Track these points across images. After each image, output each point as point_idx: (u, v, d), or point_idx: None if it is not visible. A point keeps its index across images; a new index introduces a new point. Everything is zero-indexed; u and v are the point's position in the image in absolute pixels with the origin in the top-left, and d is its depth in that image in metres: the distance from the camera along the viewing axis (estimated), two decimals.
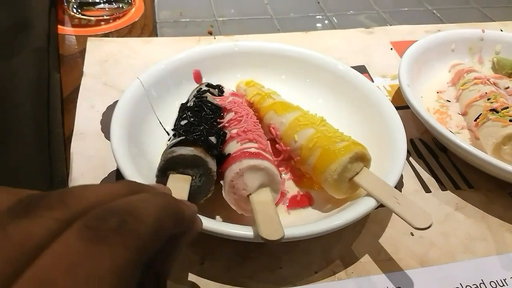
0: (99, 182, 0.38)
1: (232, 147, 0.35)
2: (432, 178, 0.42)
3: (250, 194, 0.32)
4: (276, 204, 0.37)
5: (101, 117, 0.44)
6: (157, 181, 0.32)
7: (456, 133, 0.46)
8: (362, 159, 0.35)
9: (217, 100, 0.42)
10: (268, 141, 0.42)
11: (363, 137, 0.40)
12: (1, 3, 0.53)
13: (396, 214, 0.31)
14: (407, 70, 0.48)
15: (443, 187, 0.42)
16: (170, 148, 0.33)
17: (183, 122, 0.38)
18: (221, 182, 0.34)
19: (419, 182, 0.42)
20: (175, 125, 0.41)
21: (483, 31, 0.56)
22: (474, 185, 0.42)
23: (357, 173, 0.35)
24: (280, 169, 0.40)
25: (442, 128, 0.41)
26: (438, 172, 0.43)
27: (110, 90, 0.47)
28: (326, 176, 0.34)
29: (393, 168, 0.35)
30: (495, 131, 0.41)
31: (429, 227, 0.29)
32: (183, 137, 0.35)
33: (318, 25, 0.65)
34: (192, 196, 0.32)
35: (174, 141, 0.35)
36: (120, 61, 0.52)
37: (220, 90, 0.46)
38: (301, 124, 0.39)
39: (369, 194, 0.33)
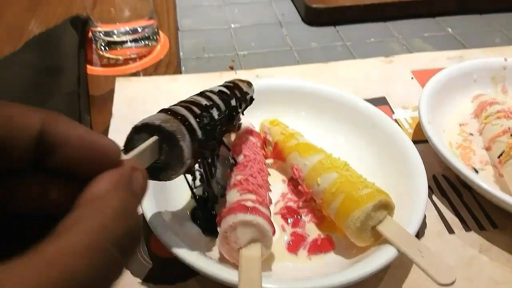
0: None
1: (232, 195, 0.36)
2: (456, 218, 0.41)
3: (240, 248, 0.32)
4: (297, 248, 0.37)
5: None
6: (129, 135, 0.30)
7: (480, 169, 0.45)
8: (386, 207, 0.35)
9: (232, 140, 0.44)
10: (288, 182, 0.43)
11: (384, 181, 0.40)
12: (33, 47, 0.56)
13: (419, 268, 0.31)
14: (428, 105, 0.47)
15: (467, 228, 0.41)
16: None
17: (203, 102, 0.36)
18: (218, 229, 0.34)
19: (442, 222, 0.41)
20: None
21: (506, 60, 0.55)
22: (499, 225, 0.41)
23: (380, 222, 0.34)
24: (302, 210, 0.40)
25: (464, 167, 0.40)
26: (461, 211, 0.42)
27: None
28: (348, 223, 0.34)
29: (413, 216, 0.35)
30: None
31: (452, 283, 0.29)
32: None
33: (337, 54, 0.65)
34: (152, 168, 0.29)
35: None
36: (147, 100, 0.53)
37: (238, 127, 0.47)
38: (324, 168, 0.39)
39: (392, 244, 0.33)
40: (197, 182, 0.42)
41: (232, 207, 0.34)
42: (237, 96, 0.39)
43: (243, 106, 0.41)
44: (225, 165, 0.44)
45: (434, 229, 0.40)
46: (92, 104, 0.54)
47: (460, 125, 0.50)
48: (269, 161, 0.46)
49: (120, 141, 0.47)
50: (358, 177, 0.37)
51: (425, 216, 0.41)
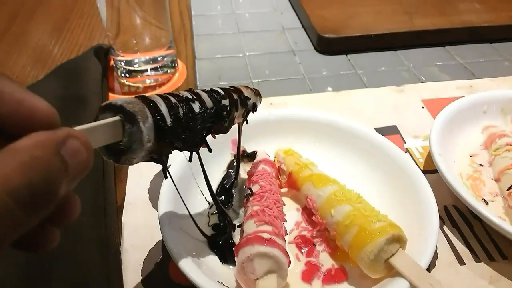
0: (146, 252, 0.41)
1: (249, 226, 0.37)
2: (466, 249, 0.42)
3: (257, 278, 0.33)
4: (311, 278, 0.38)
5: (148, 186, 0.48)
6: (96, 115, 0.29)
7: (490, 200, 0.46)
8: (398, 240, 0.36)
9: (247, 169, 0.46)
10: (302, 211, 0.44)
11: (396, 213, 0.41)
12: (58, 76, 0.59)
13: None
14: (438, 137, 0.48)
15: (477, 259, 0.41)
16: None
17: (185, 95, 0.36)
18: (235, 259, 0.35)
19: (453, 253, 0.42)
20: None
21: None
22: (508, 256, 0.41)
23: (393, 254, 0.35)
24: (316, 240, 0.42)
25: (473, 199, 0.41)
26: (472, 242, 0.43)
27: None
28: (362, 256, 0.35)
29: (425, 250, 0.36)
30: None
31: None
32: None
33: (349, 82, 0.67)
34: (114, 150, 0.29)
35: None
36: None
37: (252, 156, 0.49)
38: (338, 200, 0.40)
39: (404, 277, 0.34)
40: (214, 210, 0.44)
41: (249, 238, 0.35)
42: (232, 98, 0.38)
43: (242, 111, 0.40)
44: (242, 194, 0.45)
45: (445, 260, 0.41)
46: None
47: (470, 156, 0.51)
48: (284, 190, 0.47)
49: (143, 167, 0.49)
50: (371, 210, 0.38)
51: (436, 247, 0.42)
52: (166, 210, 0.39)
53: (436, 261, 0.41)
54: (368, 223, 0.36)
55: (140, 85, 0.64)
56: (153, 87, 0.64)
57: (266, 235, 0.35)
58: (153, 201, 0.46)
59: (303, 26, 0.82)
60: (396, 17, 0.77)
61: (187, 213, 0.41)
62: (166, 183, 0.41)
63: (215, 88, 0.38)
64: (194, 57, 0.72)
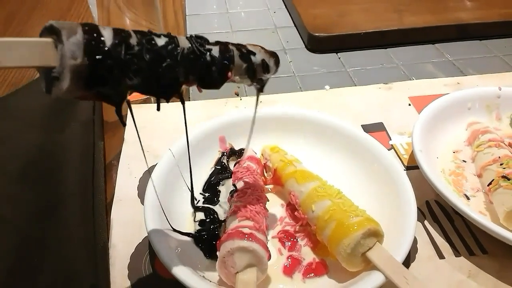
0: (134, 247, 0.42)
1: (231, 222, 0.38)
2: (446, 243, 0.43)
3: (237, 272, 0.34)
4: (292, 271, 0.39)
5: (138, 183, 0.48)
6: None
7: (471, 196, 0.46)
8: (375, 234, 0.36)
9: (234, 166, 0.47)
10: (286, 207, 0.45)
11: (376, 207, 0.42)
12: None
13: None
14: (421, 133, 0.49)
15: (457, 253, 0.42)
16: None
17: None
18: (217, 253, 0.36)
19: (433, 248, 0.42)
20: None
21: (500, 89, 0.56)
22: (488, 250, 0.42)
23: (370, 248, 0.36)
24: (298, 235, 0.42)
25: (452, 195, 0.42)
26: (452, 237, 0.43)
27: (147, 155, 0.51)
28: (339, 249, 0.36)
29: (402, 245, 0.36)
30: (506, 198, 0.41)
31: None
32: None
33: (339, 80, 0.67)
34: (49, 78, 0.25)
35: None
36: (156, 126, 0.56)
37: (240, 154, 0.49)
38: (319, 195, 0.41)
39: (380, 271, 0.35)
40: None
41: (230, 233, 0.36)
42: (225, 47, 0.32)
43: (244, 66, 0.33)
44: (228, 191, 0.46)
45: (425, 254, 0.42)
46: (106, 129, 0.57)
47: (454, 152, 0.52)
48: (269, 186, 0.48)
49: (133, 165, 0.50)
50: (350, 205, 0.39)
51: (416, 241, 0.43)
52: (152, 206, 0.40)
53: (416, 255, 0.42)
54: (346, 218, 0.37)
55: None
56: None
57: (246, 230, 0.36)
58: (141, 197, 0.47)
59: (295, 25, 0.82)
60: (386, 15, 0.78)
61: (173, 209, 0.42)
62: (153, 180, 0.42)
63: (203, 36, 0.32)
64: None
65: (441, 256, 0.42)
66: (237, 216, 0.38)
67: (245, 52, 0.33)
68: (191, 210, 0.44)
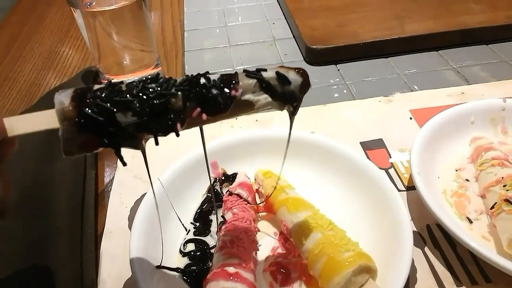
0: (123, 283, 0.40)
1: (216, 259, 0.37)
2: (448, 272, 0.40)
3: None
4: None
5: (129, 213, 0.47)
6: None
7: (474, 219, 0.44)
8: (368, 270, 0.35)
9: (225, 193, 0.45)
10: (279, 236, 0.43)
11: (370, 236, 0.40)
12: (46, 103, 0.59)
13: None
14: (420, 153, 0.47)
15: (458, 283, 0.40)
16: None
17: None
18: None
19: (433, 277, 0.40)
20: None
21: (505, 101, 0.53)
22: (492, 279, 0.40)
23: (362, 285, 0.34)
24: (291, 266, 0.41)
25: (454, 221, 0.39)
26: (454, 265, 0.41)
27: (139, 183, 0.51)
28: (330, 287, 0.34)
29: (395, 281, 0.34)
30: (509, 225, 0.39)
31: None
32: None
33: (337, 93, 0.65)
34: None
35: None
36: (150, 150, 0.55)
37: (232, 179, 0.48)
38: (310, 227, 0.39)
39: None
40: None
41: (215, 272, 0.35)
42: (228, 74, 0.29)
43: (252, 82, 0.29)
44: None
45: (425, 284, 0.40)
46: (100, 156, 0.56)
47: (456, 170, 0.49)
48: (262, 213, 0.46)
49: (124, 194, 0.49)
50: (341, 237, 0.37)
51: (416, 270, 0.41)
52: (138, 240, 0.39)
53: (415, 286, 0.39)
54: (337, 253, 0.35)
55: None
56: None
57: (231, 269, 0.34)
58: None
59: (293, 36, 0.80)
60: (387, 23, 0.75)
61: (161, 243, 0.41)
62: (140, 212, 0.41)
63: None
64: (184, 74, 0.72)
65: (441, 286, 0.39)
66: (222, 254, 0.37)
67: (253, 71, 0.30)
68: (181, 241, 0.43)
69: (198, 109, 0.29)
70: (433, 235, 0.44)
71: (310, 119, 0.60)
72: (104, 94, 0.27)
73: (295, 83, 0.31)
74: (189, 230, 0.44)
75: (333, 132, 0.57)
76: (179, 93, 0.28)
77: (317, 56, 0.72)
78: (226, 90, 0.29)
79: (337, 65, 0.72)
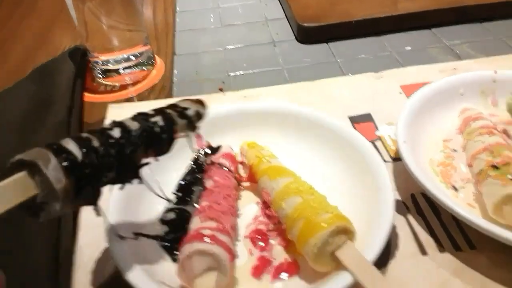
0: (101, 252, 0.40)
1: (193, 223, 0.36)
2: (431, 239, 0.39)
3: (196, 277, 0.32)
4: (261, 273, 0.36)
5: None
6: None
7: (460, 187, 0.43)
8: (346, 232, 0.34)
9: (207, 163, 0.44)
10: (261, 205, 0.42)
11: (352, 203, 0.39)
12: (33, 79, 0.58)
13: None
14: (407, 123, 0.45)
15: (442, 249, 0.39)
16: None
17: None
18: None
19: (416, 244, 0.39)
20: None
21: (496, 72, 0.52)
22: (477, 245, 0.38)
23: (340, 247, 0.33)
24: (271, 233, 0.40)
25: (438, 187, 0.38)
26: (437, 231, 0.40)
27: None
28: (307, 249, 0.34)
29: (374, 243, 0.33)
30: (494, 190, 0.37)
31: None
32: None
33: (328, 71, 0.64)
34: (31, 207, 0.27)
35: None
36: None
37: (216, 151, 0.47)
38: (289, 192, 0.38)
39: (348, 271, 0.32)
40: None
41: (190, 235, 0.34)
42: (164, 113, 0.35)
43: (184, 122, 0.36)
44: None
45: (407, 250, 0.39)
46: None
47: (444, 141, 0.48)
48: (246, 184, 0.45)
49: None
50: (320, 201, 0.36)
51: (398, 236, 0.40)
52: (116, 207, 0.38)
53: (397, 252, 0.38)
54: (315, 215, 0.34)
55: (117, 84, 0.63)
56: (129, 85, 0.63)
57: (207, 232, 0.34)
58: None
59: (286, 16, 0.79)
60: (379, 1, 0.74)
61: (141, 210, 0.41)
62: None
63: (142, 111, 0.35)
64: (174, 54, 0.71)
65: (424, 252, 0.38)
66: (200, 217, 0.36)
67: (181, 110, 0.36)
68: (160, 211, 0.42)
69: (153, 154, 0.34)
70: (417, 204, 0.43)
71: (297, 94, 0.59)
72: (90, 158, 0.29)
73: (205, 117, 0.38)
74: (171, 200, 0.43)
75: (321, 107, 0.56)
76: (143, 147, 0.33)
77: (309, 35, 0.70)
78: (172, 136, 0.35)
79: (329, 44, 0.71)
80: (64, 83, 0.57)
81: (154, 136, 0.33)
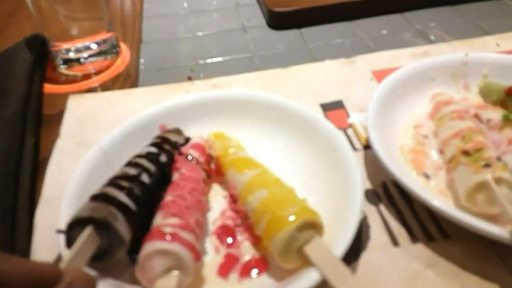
0: (57, 254, 0.37)
1: (156, 219, 0.33)
2: (403, 229, 0.38)
3: (156, 278, 0.29)
4: (227, 271, 0.34)
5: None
6: (67, 233, 0.31)
7: (432, 174, 0.41)
8: (313, 226, 0.31)
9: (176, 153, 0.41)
10: (228, 199, 0.40)
11: (321, 194, 0.37)
12: None
13: None
14: (377, 108, 0.44)
15: (414, 239, 0.37)
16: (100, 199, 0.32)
17: (131, 172, 0.36)
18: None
19: (388, 234, 0.37)
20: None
21: (467, 55, 0.50)
22: (451, 235, 0.37)
23: (308, 242, 0.31)
24: (238, 229, 0.37)
25: (408, 175, 0.36)
26: (410, 221, 0.38)
27: (82, 151, 0.46)
28: (273, 245, 0.31)
29: (342, 236, 0.31)
30: (467, 177, 0.36)
31: None
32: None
33: (300, 58, 0.61)
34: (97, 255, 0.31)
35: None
36: (98, 117, 0.51)
37: (187, 142, 0.44)
38: (256, 185, 0.36)
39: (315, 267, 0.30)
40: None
41: (150, 233, 0.31)
42: (165, 150, 0.40)
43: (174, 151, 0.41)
44: None
45: (378, 241, 0.37)
46: (46, 123, 0.52)
47: (414, 127, 0.46)
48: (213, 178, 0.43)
49: (65, 161, 0.45)
50: (288, 194, 0.34)
51: (369, 227, 0.38)
52: (69, 206, 0.35)
53: (368, 243, 0.37)
54: (281, 209, 0.32)
55: (79, 73, 0.59)
56: (92, 75, 0.59)
57: (168, 229, 0.31)
58: None
59: (258, 2, 0.76)
60: None
61: None
62: (73, 180, 0.37)
63: (148, 149, 0.39)
64: (140, 41, 0.67)
65: (396, 243, 0.37)
66: (162, 213, 0.33)
67: (173, 144, 0.41)
68: None
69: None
70: (389, 193, 0.41)
71: (270, 81, 0.56)
72: (138, 209, 0.34)
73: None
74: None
75: (293, 95, 0.53)
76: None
77: (280, 20, 0.67)
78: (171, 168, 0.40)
79: (301, 30, 0.68)
80: (20, 73, 0.52)
81: (166, 175, 0.38)
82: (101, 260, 0.31)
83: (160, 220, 0.33)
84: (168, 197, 0.35)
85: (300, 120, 0.44)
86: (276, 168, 0.39)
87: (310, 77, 0.57)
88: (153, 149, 0.39)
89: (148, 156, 0.38)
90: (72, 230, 0.30)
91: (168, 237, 0.30)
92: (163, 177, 0.38)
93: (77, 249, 0.28)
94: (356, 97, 0.52)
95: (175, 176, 0.38)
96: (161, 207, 0.34)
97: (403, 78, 0.47)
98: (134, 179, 0.35)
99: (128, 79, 0.59)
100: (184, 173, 0.38)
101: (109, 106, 0.53)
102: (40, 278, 0.21)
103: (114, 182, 0.34)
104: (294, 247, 0.31)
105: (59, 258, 0.36)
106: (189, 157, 0.40)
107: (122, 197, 0.33)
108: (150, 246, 0.30)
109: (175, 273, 0.30)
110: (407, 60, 0.58)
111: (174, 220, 0.32)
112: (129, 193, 0.33)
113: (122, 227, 0.31)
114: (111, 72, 0.60)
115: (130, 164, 0.37)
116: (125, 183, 0.34)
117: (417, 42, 0.63)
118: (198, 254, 0.32)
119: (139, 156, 0.38)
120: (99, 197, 0.32)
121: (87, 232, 0.29)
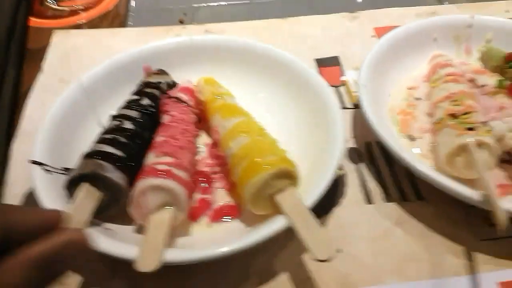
0: (28, 187, 0.38)
1: (148, 159, 0.34)
2: (379, 188, 0.39)
3: (149, 213, 0.31)
4: (198, 216, 0.35)
5: None
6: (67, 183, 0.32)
7: (417, 137, 0.42)
8: (289, 176, 0.32)
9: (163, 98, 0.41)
10: (209, 146, 0.41)
11: (304, 147, 0.38)
12: None
13: (301, 239, 0.29)
14: (373, 66, 0.44)
15: (389, 198, 0.38)
16: (96, 155, 0.33)
17: (113, 124, 0.38)
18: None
19: (363, 193, 0.39)
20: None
21: (473, 17, 0.49)
22: (426, 197, 0.38)
23: (281, 191, 0.32)
24: (215, 176, 0.39)
25: (390, 135, 0.37)
26: (387, 181, 0.40)
27: (64, 87, 0.47)
28: (246, 188, 0.32)
29: (316, 188, 0.33)
30: (449, 140, 0.36)
31: (326, 260, 0.27)
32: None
33: (299, 9, 0.60)
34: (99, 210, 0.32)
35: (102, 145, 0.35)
36: (82, 55, 0.51)
37: (173, 84, 0.44)
38: (239, 131, 0.36)
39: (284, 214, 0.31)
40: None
41: (144, 171, 0.33)
42: (146, 93, 0.41)
43: (160, 93, 0.42)
44: None
45: (353, 198, 0.38)
46: (30, 58, 0.52)
47: (408, 89, 0.46)
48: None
49: (45, 97, 0.45)
50: (270, 143, 0.35)
51: (346, 184, 0.39)
52: (45, 140, 0.36)
53: (343, 200, 0.38)
54: (260, 157, 0.33)
55: (66, 9, 0.59)
56: (80, 11, 0.58)
57: (162, 167, 0.32)
58: None
59: None
60: None
61: (76, 143, 0.39)
62: (53, 110, 0.38)
63: (130, 97, 0.41)
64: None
65: (370, 201, 0.38)
66: (155, 152, 0.34)
67: (156, 86, 0.42)
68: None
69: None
70: (371, 153, 0.42)
71: (266, 32, 0.56)
72: (126, 153, 0.35)
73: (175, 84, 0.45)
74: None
75: (288, 47, 0.53)
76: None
77: None
78: (158, 108, 0.41)
79: None
80: (5, 3, 0.52)
81: (153, 116, 0.39)
82: (110, 210, 0.33)
83: (153, 158, 0.34)
84: (160, 138, 0.36)
85: (291, 74, 0.44)
86: (261, 119, 0.40)
87: (308, 30, 0.56)
88: (134, 97, 0.41)
89: (129, 104, 0.39)
90: (72, 192, 0.32)
91: (162, 174, 0.31)
92: (150, 119, 0.39)
93: (76, 206, 0.30)
94: (354, 54, 0.52)
95: (166, 119, 0.39)
96: (153, 147, 0.35)
97: (404, 36, 0.47)
98: (116, 129, 0.36)
99: (116, 18, 0.58)
100: (175, 115, 0.39)
101: (95, 45, 0.53)
102: (42, 225, 0.22)
103: (98, 138, 0.36)
104: (266, 193, 0.32)
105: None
106: (181, 97, 0.41)
107: (106, 147, 0.34)
108: (144, 182, 0.31)
109: (168, 209, 0.31)
110: (413, 19, 0.57)
111: (168, 159, 0.33)
112: (112, 141, 0.35)
113: (112, 173, 0.32)
114: (100, 9, 0.59)
115: (113, 117, 0.39)
116: (107, 135, 0.36)
117: (429, 2, 0.62)
118: (192, 191, 0.33)
119: (121, 107, 0.40)
120: (87, 156, 0.34)
121: (84, 188, 0.31)
